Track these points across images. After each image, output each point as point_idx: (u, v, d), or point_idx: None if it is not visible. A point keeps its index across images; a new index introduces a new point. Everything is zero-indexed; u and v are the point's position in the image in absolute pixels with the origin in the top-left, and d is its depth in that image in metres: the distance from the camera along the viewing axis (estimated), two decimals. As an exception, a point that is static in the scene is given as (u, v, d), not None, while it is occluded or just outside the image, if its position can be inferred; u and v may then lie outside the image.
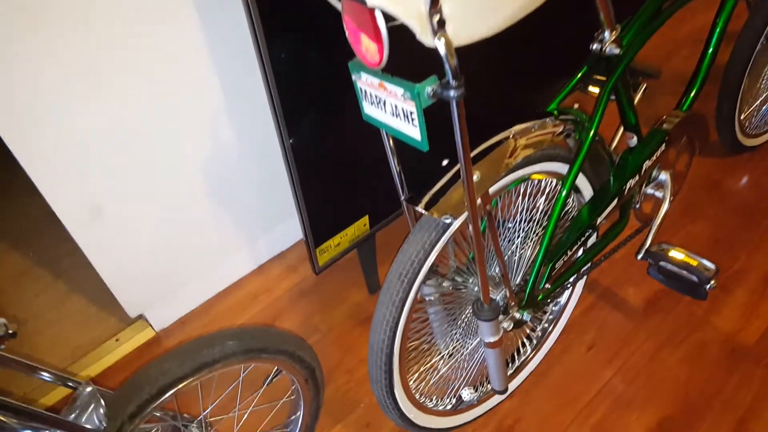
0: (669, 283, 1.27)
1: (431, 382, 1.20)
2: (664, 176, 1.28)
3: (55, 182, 1.23)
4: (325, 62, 1.14)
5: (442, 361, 1.20)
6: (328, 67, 1.15)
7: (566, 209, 1.19)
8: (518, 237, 1.17)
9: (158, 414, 1.00)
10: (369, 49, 0.72)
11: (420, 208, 0.91)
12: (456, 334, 1.17)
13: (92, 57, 1.14)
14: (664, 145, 1.21)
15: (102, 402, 0.81)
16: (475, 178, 0.92)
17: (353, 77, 0.82)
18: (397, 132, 0.81)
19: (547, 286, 1.12)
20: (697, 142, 1.34)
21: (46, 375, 0.83)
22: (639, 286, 1.52)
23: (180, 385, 0.88)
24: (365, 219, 1.46)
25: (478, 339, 1.23)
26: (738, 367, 1.33)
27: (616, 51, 1.03)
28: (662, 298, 1.49)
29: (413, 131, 0.77)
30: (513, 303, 1.06)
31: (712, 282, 1.19)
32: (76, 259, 1.83)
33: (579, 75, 1.09)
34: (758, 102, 1.73)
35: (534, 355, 1.32)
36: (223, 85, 1.36)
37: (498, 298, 1.10)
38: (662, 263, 1.25)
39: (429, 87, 0.72)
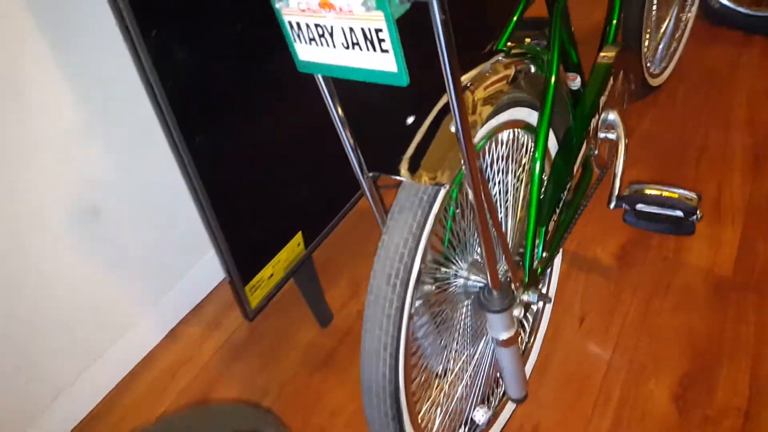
0: (650, 226, 1.14)
1: (438, 416, 0.95)
2: (612, 116, 1.17)
3: None
4: (222, 52, 0.89)
5: (446, 386, 0.96)
6: (227, 55, 0.91)
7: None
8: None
9: None
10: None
11: (405, 176, 0.68)
12: (453, 344, 0.94)
13: None
14: (611, 79, 1.10)
15: None
16: (452, 128, 0.72)
17: (277, 6, 0.58)
18: (356, 72, 0.58)
19: (544, 254, 0.93)
20: (632, 75, 1.25)
21: None
22: (604, 243, 1.40)
23: None
24: (298, 237, 1.21)
25: (482, 342, 1.01)
26: (729, 301, 1.24)
27: (557, -33, 0.89)
28: (631, 250, 1.37)
29: (383, 60, 0.55)
30: (517, 283, 0.86)
31: (699, 213, 1.08)
32: None
33: (522, 5, 0.94)
34: (658, 39, 1.72)
35: (533, 343, 1.12)
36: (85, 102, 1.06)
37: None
38: (639, 206, 1.13)
39: (398, -14, 0.51)
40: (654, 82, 1.72)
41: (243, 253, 1.05)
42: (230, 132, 0.97)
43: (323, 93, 0.68)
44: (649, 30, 1.56)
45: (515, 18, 0.94)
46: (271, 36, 0.95)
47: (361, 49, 0.56)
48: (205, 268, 1.44)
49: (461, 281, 0.89)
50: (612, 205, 1.16)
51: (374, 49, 0.55)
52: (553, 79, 0.88)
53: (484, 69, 0.83)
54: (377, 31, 0.53)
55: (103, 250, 1.19)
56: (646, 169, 1.56)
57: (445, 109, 0.75)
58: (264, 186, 1.07)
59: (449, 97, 0.58)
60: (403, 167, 0.70)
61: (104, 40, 1.07)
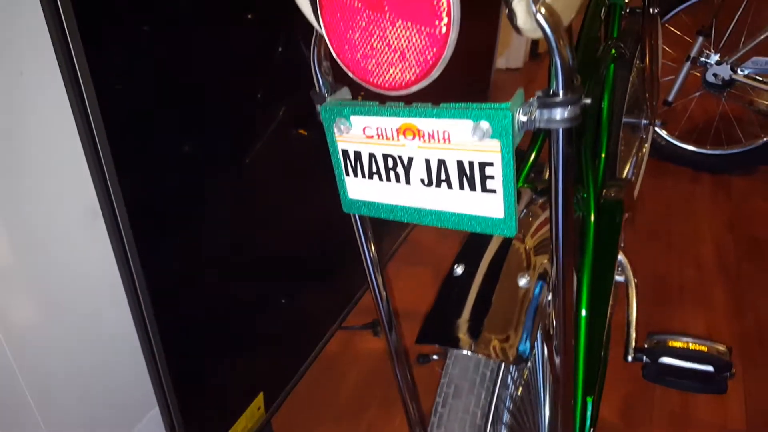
0: (676, 383, 1.01)
1: None
2: (620, 257, 1.08)
3: None
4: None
5: None
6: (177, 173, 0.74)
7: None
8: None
9: None
10: (406, 47, 0.35)
11: (465, 346, 0.51)
12: None
13: None
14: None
15: None
16: (521, 282, 0.57)
17: (332, 131, 0.43)
18: (436, 217, 0.43)
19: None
20: (631, 213, 1.19)
21: None
22: (606, 397, 1.25)
23: None
24: (259, 400, 0.98)
25: None
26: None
27: (587, 101, 0.82)
28: (634, 404, 1.23)
29: (485, 203, 0.41)
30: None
31: (732, 370, 0.97)
32: None
33: (538, 143, 0.85)
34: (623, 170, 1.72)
35: None
36: None
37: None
38: (663, 360, 1.00)
39: (521, 109, 0.38)
40: (621, 216, 1.70)
41: (197, 418, 0.82)
42: (191, 282, 0.78)
43: (358, 234, 0.52)
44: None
45: (533, 155, 0.84)
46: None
47: (451, 187, 0.41)
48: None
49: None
50: (629, 358, 1.03)
51: (474, 188, 0.40)
52: (593, 221, 0.77)
53: (523, 214, 0.71)
54: (485, 165, 0.39)
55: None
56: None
57: (499, 256, 0.61)
58: (226, 337, 0.87)
59: (553, 239, 0.44)
60: (462, 332, 0.54)
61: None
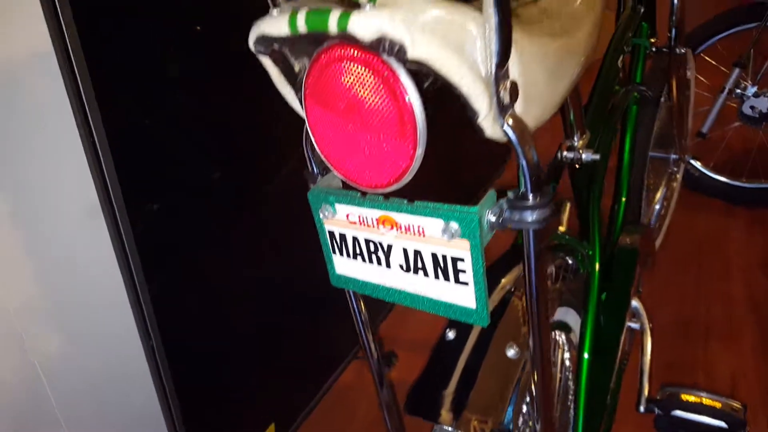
0: (687, 437, 1.00)
1: None
2: (635, 303, 1.07)
3: None
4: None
5: None
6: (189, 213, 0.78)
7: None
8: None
9: None
10: (379, 157, 0.38)
11: (445, 422, 0.53)
12: None
13: None
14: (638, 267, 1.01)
15: None
16: (509, 353, 0.58)
17: (319, 215, 0.46)
18: (413, 299, 0.45)
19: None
20: (650, 258, 1.18)
21: None
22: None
23: None
24: (271, 430, 1.01)
25: None
26: None
27: (595, 156, 0.82)
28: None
29: (458, 293, 0.42)
30: None
31: (747, 428, 0.95)
32: None
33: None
34: (652, 208, 1.69)
35: None
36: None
37: None
38: (676, 413, 0.99)
39: (491, 210, 0.40)
40: (648, 249, 1.68)
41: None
42: (194, 311, 0.82)
43: (353, 309, 0.55)
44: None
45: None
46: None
47: (427, 275, 0.43)
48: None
49: None
50: (642, 408, 1.02)
51: (447, 279, 0.42)
52: (597, 279, 0.77)
53: (524, 270, 0.72)
54: (457, 260, 0.41)
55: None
56: (654, 348, 1.45)
57: (493, 320, 0.62)
58: (236, 370, 0.90)
59: (531, 332, 0.45)
60: (444, 408, 0.55)
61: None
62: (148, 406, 1.14)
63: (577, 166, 0.83)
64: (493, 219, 0.39)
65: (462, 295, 0.42)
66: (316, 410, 1.20)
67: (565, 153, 0.83)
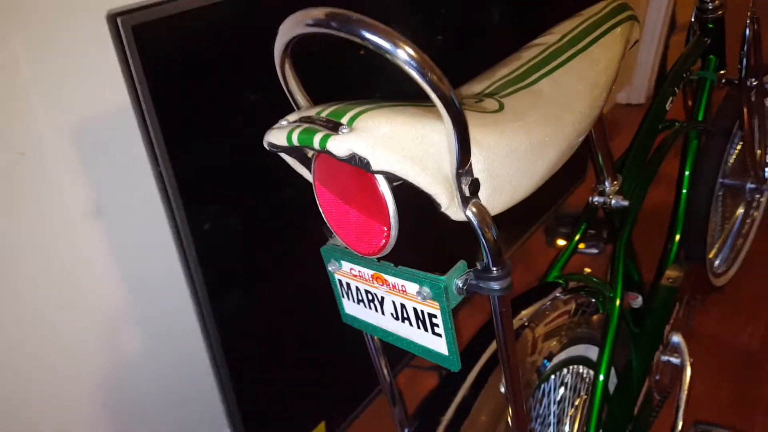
0: (719, 476, 1.01)
1: None
2: (677, 338, 1.08)
3: None
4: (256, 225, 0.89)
5: None
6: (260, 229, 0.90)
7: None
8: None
9: None
10: (365, 231, 0.47)
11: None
12: None
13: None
14: (677, 304, 1.03)
15: None
16: (502, 389, 0.66)
17: (328, 267, 0.56)
18: (403, 342, 0.54)
19: None
20: (699, 295, 1.18)
21: None
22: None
23: None
24: (321, 429, 1.13)
25: None
26: None
27: (624, 203, 0.86)
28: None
29: (434, 342, 0.51)
30: None
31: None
32: None
33: (578, 235, 0.90)
34: (722, 240, 1.65)
35: None
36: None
37: None
38: (707, 451, 1.00)
39: (458, 279, 0.48)
40: (718, 281, 1.63)
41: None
42: (255, 310, 0.94)
43: (370, 348, 0.64)
44: (712, 236, 1.50)
45: (571, 247, 0.90)
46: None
47: (411, 324, 0.52)
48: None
49: None
50: (675, 443, 1.04)
51: (426, 330, 0.51)
52: (615, 319, 0.82)
53: (544, 306, 0.78)
54: (431, 315, 0.49)
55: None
56: (713, 384, 1.42)
57: (494, 360, 0.69)
58: (290, 368, 1.02)
59: (504, 376, 0.53)
60: (440, 432, 0.63)
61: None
62: (210, 404, 1.30)
63: (607, 210, 0.87)
64: (460, 284, 0.47)
65: (438, 343, 0.50)
66: (366, 412, 1.30)
67: (595, 198, 0.87)
